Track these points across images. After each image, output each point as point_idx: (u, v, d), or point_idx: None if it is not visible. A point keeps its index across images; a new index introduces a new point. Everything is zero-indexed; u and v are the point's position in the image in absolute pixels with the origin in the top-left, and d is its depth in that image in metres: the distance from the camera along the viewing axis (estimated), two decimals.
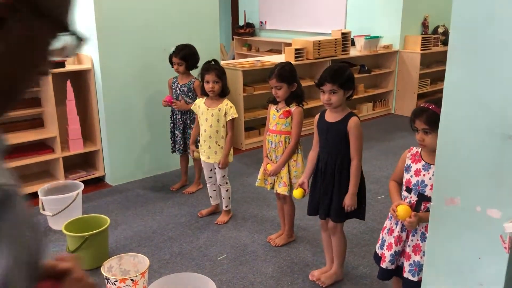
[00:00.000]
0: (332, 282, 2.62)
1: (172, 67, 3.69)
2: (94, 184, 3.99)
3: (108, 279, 2.31)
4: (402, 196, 2.07)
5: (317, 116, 2.54)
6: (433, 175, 1.95)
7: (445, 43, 6.54)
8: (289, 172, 2.82)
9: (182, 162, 3.96)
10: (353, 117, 2.37)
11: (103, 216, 2.90)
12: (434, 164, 1.95)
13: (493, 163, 1.58)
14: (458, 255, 1.75)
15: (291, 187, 2.83)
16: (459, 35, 1.59)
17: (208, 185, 3.43)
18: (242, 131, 4.90)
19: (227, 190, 3.33)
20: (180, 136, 3.75)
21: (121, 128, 3.98)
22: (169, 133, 3.84)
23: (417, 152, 2.06)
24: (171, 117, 3.80)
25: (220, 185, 3.32)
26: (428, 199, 1.96)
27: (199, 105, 3.28)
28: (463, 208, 1.69)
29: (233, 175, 3.84)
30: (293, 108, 2.79)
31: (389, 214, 2.15)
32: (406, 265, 2.03)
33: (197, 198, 3.78)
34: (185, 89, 3.69)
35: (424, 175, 1.99)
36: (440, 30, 6.53)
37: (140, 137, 4.12)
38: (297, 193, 2.58)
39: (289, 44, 7.08)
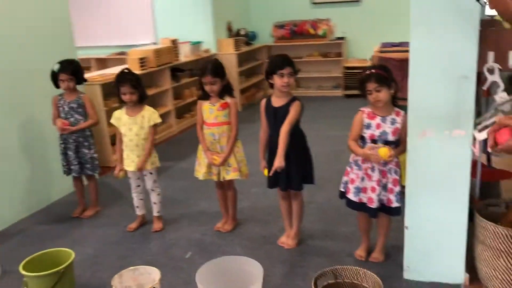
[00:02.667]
0: (297, 241, 3.01)
1: (56, 86, 3.42)
2: None
3: None
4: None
5: (264, 102, 2.87)
6: (390, 124, 2.56)
7: (247, 43, 7.48)
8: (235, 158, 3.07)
9: (78, 186, 3.68)
10: (297, 101, 2.79)
11: (62, 249, 2.60)
12: (387, 116, 2.56)
13: (453, 97, 2.25)
14: (433, 170, 2.38)
15: (240, 171, 3.08)
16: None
17: (134, 195, 3.35)
18: (109, 146, 4.73)
19: (158, 194, 3.33)
20: (73, 156, 3.49)
21: None
22: (49, 159, 3.56)
23: (369, 111, 2.63)
24: (60, 137, 3.50)
25: (152, 190, 3.30)
26: (391, 143, 2.55)
27: (120, 117, 3.19)
28: (435, 135, 2.32)
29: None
30: (229, 99, 3.04)
31: (352, 165, 2.67)
32: (392, 197, 2.57)
33: (110, 216, 3.61)
34: (75, 105, 3.46)
35: (383, 126, 2.57)
36: (242, 32, 7.42)
37: (18, 169, 3.64)
38: (266, 172, 2.87)
39: (101, 60, 6.99)
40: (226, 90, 3.05)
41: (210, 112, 3.04)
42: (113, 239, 3.23)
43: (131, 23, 7.37)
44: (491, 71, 2.22)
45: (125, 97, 3.13)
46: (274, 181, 2.90)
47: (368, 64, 7.16)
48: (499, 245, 2.22)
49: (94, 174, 3.63)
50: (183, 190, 4.02)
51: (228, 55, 6.82)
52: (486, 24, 2.28)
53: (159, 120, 3.21)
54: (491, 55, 2.22)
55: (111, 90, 4.91)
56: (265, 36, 7.98)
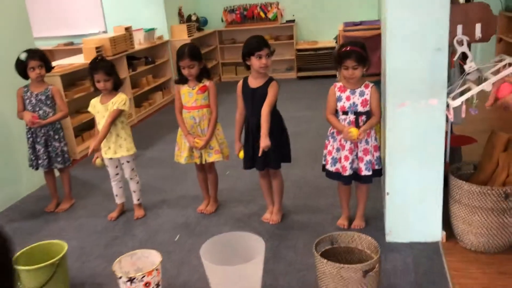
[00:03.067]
0: (280, 217, 3.12)
1: (25, 76, 3.29)
2: None
3: (133, 278, 2.21)
4: (341, 119, 2.74)
5: (240, 84, 2.93)
6: (359, 95, 2.70)
7: (198, 29, 7.45)
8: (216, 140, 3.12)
9: (49, 179, 3.58)
10: (274, 81, 2.88)
11: (53, 241, 2.55)
12: (357, 89, 2.70)
13: (427, 69, 2.43)
14: (410, 138, 2.56)
15: (221, 153, 3.14)
16: None
17: (113, 183, 3.32)
18: (73, 138, 4.60)
19: (137, 183, 3.32)
20: (42, 150, 3.39)
21: None
22: (14, 153, 3.46)
23: (340, 85, 2.75)
24: (28, 131, 3.39)
25: (131, 178, 3.29)
26: (361, 114, 2.69)
27: (95, 104, 3.14)
28: (410, 106, 2.49)
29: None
30: (207, 82, 3.08)
31: (329, 138, 2.81)
32: (362, 166, 2.73)
33: (86, 208, 3.55)
34: (43, 97, 3.36)
35: (352, 98, 2.71)
36: (193, 18, 7.38)
37: None
38: (241, 154, 2.94)
39: (49, 51, 6.72)
40: (203, 73, 3.07)
41: (190, 95, 3.06)
42: (96, 229, 3.20)
43: (77, 12, 7.12)
44: (460, 43, 2.42)
45: (99, 85, 3.08)
46: (250, 162, 2.98)
47: (333, 44, 7.36)
48: (474, 202, 2.44)
49: (66, 166, 3.55)
50: (155, 177, 4.02)
51: (182, 41, 6.76)
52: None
53: (123, 107, 3.10)
54: (459, 28, 2.41)
55: (71, 81, 4.81)
56: (216, 21, 7.97)
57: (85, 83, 4.90)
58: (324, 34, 7.78)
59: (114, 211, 3.37)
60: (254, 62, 2.81)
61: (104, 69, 3.05)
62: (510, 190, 2.35)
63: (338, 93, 2.75)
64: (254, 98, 2.87)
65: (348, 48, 2.66)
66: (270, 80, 2.89)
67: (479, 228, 2.49)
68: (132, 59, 5.91)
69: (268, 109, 2.79)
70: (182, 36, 6.79)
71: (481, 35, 2.38)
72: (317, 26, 7.82)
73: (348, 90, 2.72)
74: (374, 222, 2.97)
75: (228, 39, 8.03)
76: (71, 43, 7.26)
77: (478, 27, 2.37)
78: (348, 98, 2.72)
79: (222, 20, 7.93)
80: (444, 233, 2.68)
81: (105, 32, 6.99)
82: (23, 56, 3.23)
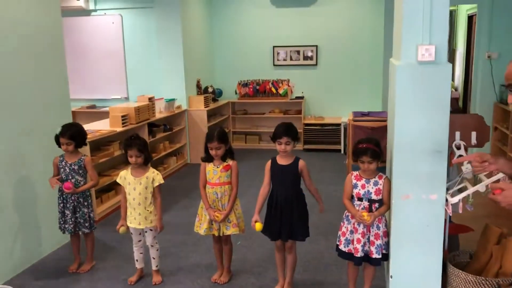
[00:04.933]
0: None
1: (60, 147, 3.65)
2: None
3: None
4: (356, 204, 3.05)
5: (269, 163, 3.28)
6: (374, 185, 3.03)
7: (214, 100, 7.94)
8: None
9: (74, 242, 3.83)
10: (301, 160, 3.24)
11: None
12: (371, 178, 3.03)
13: (429, 168, 2.75)
14: (413, 227, 2.84)
15: (238, 226, 3.42)
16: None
17: (135, 249, 3.57)
18: (94, 199, 4.88)
19: (157, 250, 3.58)
20: (70, 215, 3.68)
21: None
22: (39, 214, 3.83)
23: (357, 174, 3.09)
24: (60, 197, 3.69)
25: (152, 246, 3.54)
26: (374, 201, 3.01)
27: (125, 176, 3.46)
28: (414, 199, 2.80)
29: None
30: (231, 162, 3.41)
31: (344, 220, 3.10)
32: (373, 249, 3.01)
33: (106, 270, 3.77)
34: (76, 167, 3.68)
35: (367, 187, 3.04)
36: (210, 89, 7.88)
37: (11, 224, 3.75)
38: (259, 226, 3.23)
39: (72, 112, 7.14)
40: (228, 154, 3.42)
41: (214, 173, 3.38)
42: None
43: (101, 77, 7.63)
44: (458, 147, 2.77)
45: (131, 159, 3.41)
46: (277, 233, 3.25)
47: (344, 120, 7.80)
48: None
49: (92, 231, 3.81)
50: (171, 243, 4.25)
51: (199, 111, 7.23)
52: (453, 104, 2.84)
53: (162, 181, 3.50)
54: (458, 134, 2.77)
55: (96, 146, 5.16)
56: (230, 92, 8.49)
57: (109, 149, 5.26)
58: (330, 111, 8.27)
59: (133, 275, 3.60)
60: (277, 146, 3.18)
61: (138, 147, 3.39)
62: (502, 281, 2.61)
63: (354, 181, 3.07)
64: (283, 174, 3.21)
65: (364, 145, 3.01)
66: (297, 159, 3.24)
67: None
68: (152, 126, 6.30)
69: (313, 185, 3.29)
70: (199, 106, 7.24)
71: (476, 141, 2.73)
72: (324, 104, 8.33)
73: (364, 179, 3.04)
74: None
75: (240, 109, 8.52)
76: (94, 106, 7.71)
77: (473, 135, 2.73)
78: (363, 186, 3.04)
79: (236, 93, 8.44)
80: None
81: (126, 98, 7.46)
82: (58, 131, 3.59)
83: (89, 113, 7.38)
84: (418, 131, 2.72)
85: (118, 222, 3.51)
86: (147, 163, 3.49)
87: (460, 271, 2.73)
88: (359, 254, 3.02)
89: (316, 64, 8.20)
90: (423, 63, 2.62)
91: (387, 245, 3.03)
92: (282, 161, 3.25)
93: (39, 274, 3.73)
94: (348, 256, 3.09)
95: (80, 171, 3.69)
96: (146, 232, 3.52)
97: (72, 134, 3.63)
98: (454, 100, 2.90)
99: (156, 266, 3.59)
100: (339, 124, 7.86)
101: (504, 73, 1.85)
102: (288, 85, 8.22)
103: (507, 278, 2.64)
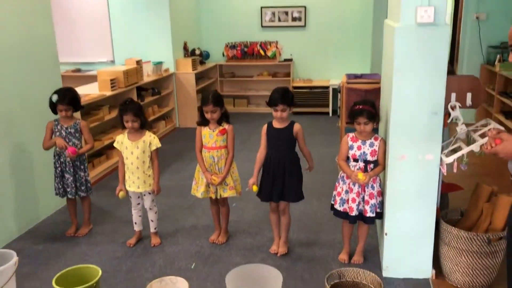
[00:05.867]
0: (287, 249, 3.45)
1: (55, 113, 3.60)
2: None
3: None
4: (351, 165, 3.12)
5: (265, 127, 3.29)
6: (369, 146, 3.08)
7: (201, 62, 7.85)
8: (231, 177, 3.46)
9: (71, 206, 3.85)
10: (296, 123, 3.26)
11: (89, 266, 2.82)
12: (367, 140, 3.09)
13: (425, 129, 2.82)
14: (408, 186, 2.93)
15: (235, 189, 3.47)
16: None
17: (134, 212, 3.61)
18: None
19: (155, 213, 3.62)
20: (71, 179, 3.68)
21: None
22: (35, 179, 3.79)
23: (353, 136, 3.14)
24: (57, 161, 3.67)
25: (150, 208, 3.58)
26: (370, 162, 3.07)
27: (122, 141, 3.45)
28: (409, 159, 2.87)
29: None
30: (226, 126, 3.43)
31: (339, 180, 3.17)
32: (367, 208, 3.10)
33: (104, 234, 3.82)
34: (72, 130, 3.65)
35: (363, 148, 3.09)
36: (197, 52, 7.77)
37: (8, 189, 3.75)
38: (255, 188, 3.29)
39: None
40: (223, 118, 3.42)
41: (210, 137, 3.40)
42: (116, 255, 3.47)
43: (86, 40, 7.45)
44: (453, 108, 2.83)
45: (128, 124, 3.39)
46: (269, 195, 3.31)
47: (332, 83, 7.82)
48: (461, 245, 2.81)
49: (88, 194, 3.82)
50: (167, 206, 4.30)
51: (187, 74, 7.15)
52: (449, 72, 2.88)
53: (160, 145, 3.50)
54: (453, 96, 2.82)
55: (86, 111, 5.11)
56: (217, 55, 8.39)
57: (99, 113, 5.21)
58: (319, 74, 8.26)
59: (132, 237, 3.65)
60: (273, 112, 3.19)
61: (133, 111, 3.37)
62: (492, 236, 2.73)
63: (350, 143, 3.12)
64: (278, 137, 3.24)
65: (360, 107, 3.04)
66: (293, 122, 3.27)
67: (465, 268, 2.85)
68: (141, 90, 6.23)
69: (306, 148, 3.33)
70: (187, 69, 7.16)
71: (471, 103, 2.79)
72: (312, 66, 8.30)
73: (360, 141, 3.09)
74: (371, 257, 3.32)
75: (228, 72, 8.44)
76: (79, 70, 7.56)
77: (469, 96, 2.78)
78: (359, 148, 3.09)
79: (223, 55, 8.35)
80: (434, 271, 3.04)
81: (112, 61, 7.32)
82: (54, 99, 3.52)
83: (74, 77, 7.24)
84: (416, 93, 2.77)
85: (111, 187, 3.52)
86: (143, 127, 3.48)
87: (453, 227, 2.84)
88: (354, 213, 3.11)
89: (304, 26, 8.12)
90: (422, 25, 2.64)
91: (381, 204, 3.11)
92: (278, 125, 3.27)
93: (37, 239, 3.76)
94: (343, 215, 3.18)
95: (77, 135, 3.67)
96: (144, 195, 3.55)
97: (70, 99, 3.59)
98: (449, 67, 2.93)
99: (155, 229, 3.64)
100: (327, 87, 7.87)
101: (508, 32, 1.88)
102: (277, 47, 8.15)
103: (497, 233, 2.76)
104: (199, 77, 7.67)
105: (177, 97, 7.28)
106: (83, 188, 3.73)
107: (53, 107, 3.58)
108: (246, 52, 8.21)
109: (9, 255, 2.95)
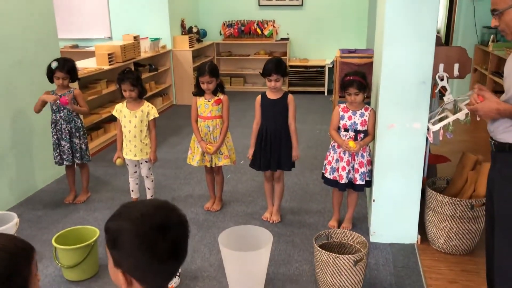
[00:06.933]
0: (279, 217, 3.56)
1: (51, 81, 3.67)
2: None
3: None
4: (342, 135, 3.22)
5: (259, 97, 3.38)
6: (360, 116, 3.18)
7: (198, 40, 7.89)
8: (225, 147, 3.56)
9: (70, 173, 3.95)
10: (290, 95, 3.35)
11: (86, 227, 2.94)
12: (358, 110, 3.18)
13: (414, 97, 2.91)
14: (396, 154, 3.04)
15: (230, 158, 3.58)
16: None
17: (131, 179, 3.71)
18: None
19: (152, 181, 3.72)
20: (68, 146, 3.77)
21: None
22: (33, 148, 3.84)
23: (344, 106, 3.23)
24: (53, 129, 3.76)
25: (147, 177, 3.68)
26: (360, 132, 3.17)
27: (121, 109, 3.53)
28: (399, 128, 2.98)
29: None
30: (222, 96, 3.51)
31: (330, 150, 3.28)
32: (357, 176, 3.21)
33: (102, 201, 3.93)
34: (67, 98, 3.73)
35: (354, 118, 3.19)
36: (194, 30, 7.81)
37: (6, 158, 3.83)
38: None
39: None
40: (219, 88, 3.51)
41: (206, 107, 3.48)
42: None
43: (84, 16, 7.47)
44: (441, 78, 2.92)
45: (125, 94, 3.47)
46: (265, 164, 3.41)
47: (328, 62, 7.88)
48: (445, 211, 2.93)
49: (84, 162, 3.91)
50: (164, 177, 4.41)
51: (184, 52, 7.20)
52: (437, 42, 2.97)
53: (157, 115, 3.57)
54: (441, 66, 2.91)
55: (84, 84, 5.18)
56: (214, 33, 8.42)
57: (96, 86, 5.28)
58: (315, 53, 8.31)
59: None
60: (267, 82, 3.28)
61: (131, 80, 3.44)
62: (475, 202, 2.85)
63: (341, 113, 3.22)
64: (272, 107, 3.33)
65: (351, 77, 3.13)
66: (287, 93, 3.35)
67: (449, 233, 2.98)
68: (138, 66, 6.29)
69: (294, 123, 3.33)
70: (184, 47, 7.20)
71: (459, 73, 2.88)
72: (309, 45, 8.35)
73: (350, 111, 3.19)
74: (360, 224, 3.45)
75: (224, 51, 8.48)
76: (76, 46, 7.59)
77: (456, 66, 2.87)
78: (349, 118, 3.19)
79: (221, 33, 8.38)
80: (419, 236, 3.17)
81: (110, 37, 7.35)
82: (54, 65, 3.60)
83: (72, 52, 7.24)
84: (405, 62, 2.85)
85: (109, 158, 3.62)
86: (141, 97, 3.56)
87: (438, 194, 2.95)
88: (344, 181, 3.21)
89: (301, 5, 8.14)
90: None
91: (370, 172, 3.22)
92: (272, 95, 3.35)
93: (36, 205, 3.86)
94: (333, 183, 3.29)
95: (72, 102, 3.74)
96: (141, 163, 3.65)
97: (69, 68, 3.66)
98: (438, 38, 3.02)
99: (151, 196, 3.75)
100: (323, 66, 7.94)
101: None
102: (274, 26, 8.18)
103: (480, 199, 2.88)
104: (196, 55, 7.71)
105: (174, 74, 7.34)
106: (77, 155, 3.81)
107: (51, 74, 3.64)
108: (243, 30, 8.24)
109: (9, 217, 3.07)
